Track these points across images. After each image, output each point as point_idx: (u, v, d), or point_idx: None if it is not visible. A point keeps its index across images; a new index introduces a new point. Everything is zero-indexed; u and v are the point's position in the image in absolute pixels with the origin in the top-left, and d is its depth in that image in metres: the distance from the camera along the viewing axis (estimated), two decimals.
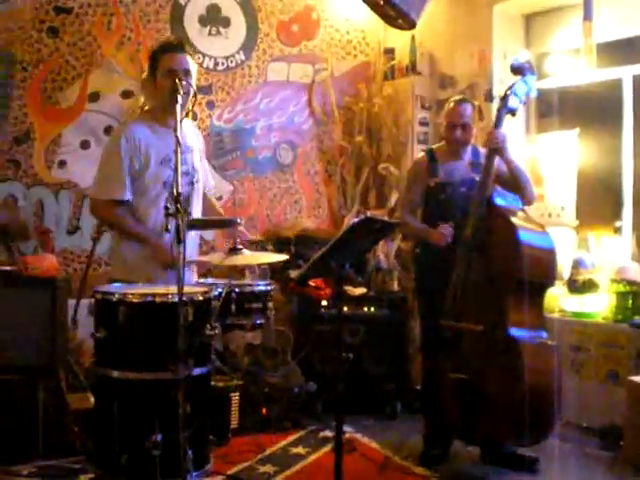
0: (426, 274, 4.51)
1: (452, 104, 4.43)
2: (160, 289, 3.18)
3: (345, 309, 5.22)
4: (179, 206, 2.81)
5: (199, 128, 4.21)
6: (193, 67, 3.63)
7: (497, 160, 4.23)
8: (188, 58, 3.61)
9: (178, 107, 3.14)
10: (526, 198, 4.31)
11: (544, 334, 4.06)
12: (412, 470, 4.29)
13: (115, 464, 3.01)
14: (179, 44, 3.68)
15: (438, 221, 4.31)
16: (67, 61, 5.59)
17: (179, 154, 2.92)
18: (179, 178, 2.90)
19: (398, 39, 6.54)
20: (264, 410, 4.97)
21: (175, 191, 2.82)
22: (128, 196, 3.59)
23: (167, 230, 2.87)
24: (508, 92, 4.21)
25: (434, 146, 4.72)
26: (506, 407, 3.85)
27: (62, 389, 4.46)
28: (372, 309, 5.60)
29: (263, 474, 4.19)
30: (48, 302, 4.36)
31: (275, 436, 4.82)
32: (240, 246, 3.67)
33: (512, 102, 4.20)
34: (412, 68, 6.37)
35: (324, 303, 5.48)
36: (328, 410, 5.11)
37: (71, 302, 4.85)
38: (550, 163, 5.65)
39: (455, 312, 4.11)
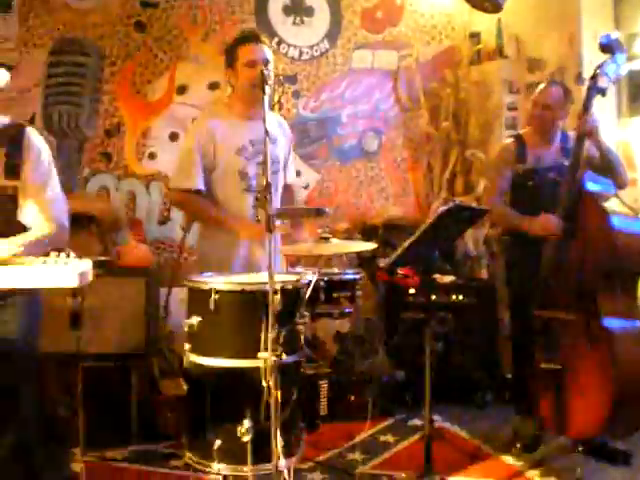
0: (516, 262, 4.43)
1: (543, 84, 4.42)
2: (251, 278, 3.22)
3: (433, 297, 5.16)
4: (267, 196, 2.83)
5: (285, 118, 4.21)
6: (271, 56, 3.68)
7: (587, 143, 4.13)
8: (265, 48, 3.67)
9: (266, 98, 3.15)
10: (619, 182, 4.19)
11: (639, 323, 3.95)
12: (502, 460, 4.25)
13: (207, 449, 3.07)
14: (256, 35, 3.74)
15: (526, 208, 4.23)
16: (155, 55, 5.71)
17: (267, 145, 2.94)
18: (267, 168, 2.91)
19: (484, 22, 6.43)
20: (353, 398, 4.98)
21: (265, 181, 2.84)
22: (200, 186, 3.67)
23: (258, 221, 2.89)
24: (597, 71, 4.11)
25: (521, 131, 4.64)
26: (599, 398, 3.76)
27: (155, 375, 4.57)
28: (460, 297, 5.52)
29: (352, 461, 4.21)
30: (141, 291, 4.47)
31: (364, 424, 4.82)
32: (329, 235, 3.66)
33: (601, 82, 4.09)
34: (499, 52, 6.26)
35: (412, 291, 5.44)
36: (417, 399, 5.09)
37: (163, 291, 4.96)
38: None
39: (546, 301, 4.04)
